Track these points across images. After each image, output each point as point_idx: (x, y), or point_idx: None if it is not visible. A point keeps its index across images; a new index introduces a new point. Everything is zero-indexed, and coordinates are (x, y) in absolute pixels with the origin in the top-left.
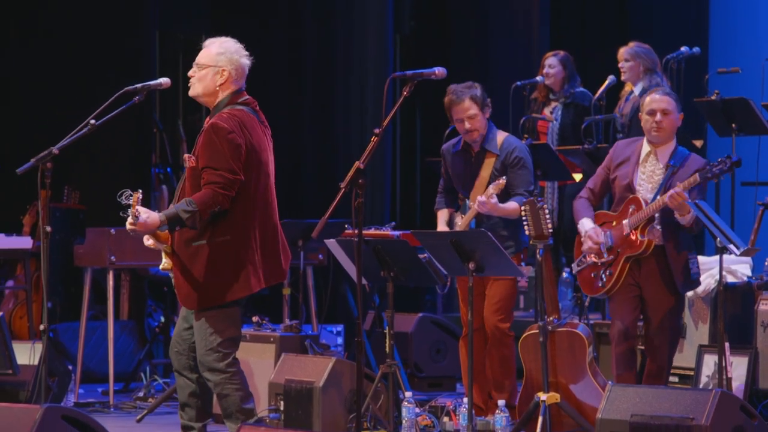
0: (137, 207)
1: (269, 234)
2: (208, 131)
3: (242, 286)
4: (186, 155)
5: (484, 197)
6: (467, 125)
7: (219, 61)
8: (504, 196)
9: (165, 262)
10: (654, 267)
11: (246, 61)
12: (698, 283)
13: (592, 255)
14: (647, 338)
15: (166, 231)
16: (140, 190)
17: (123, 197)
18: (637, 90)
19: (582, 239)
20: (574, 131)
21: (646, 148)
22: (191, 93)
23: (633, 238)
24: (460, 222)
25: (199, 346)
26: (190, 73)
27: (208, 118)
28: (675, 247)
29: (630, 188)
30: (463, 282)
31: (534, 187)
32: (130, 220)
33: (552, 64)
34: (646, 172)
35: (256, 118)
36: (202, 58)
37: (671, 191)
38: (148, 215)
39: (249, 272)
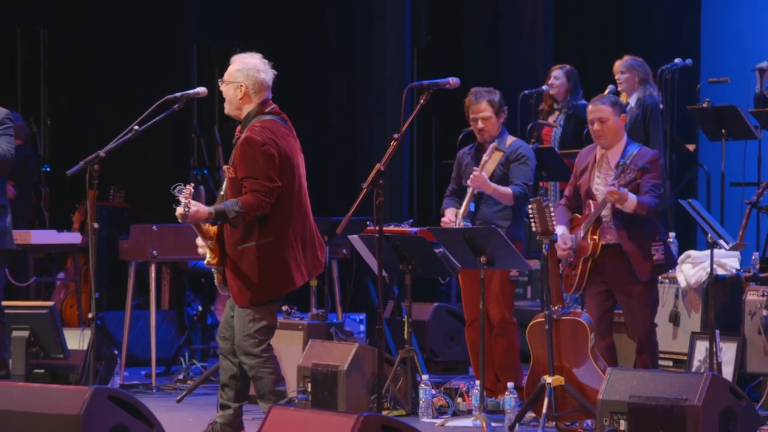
0: (189, 199)
1: (307, 232)
2: (243, 144)
3: (287, 282)
4: (225, 167)
5: (476, 171)
6: (480, 124)
7: (237, 77)
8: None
9: (210, 257)
10: (614, 262)
11: (264, 75)
12: (669, 266)
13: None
14: (626, 325)
15: (213, 228)
16: (192, 184)
17: (176, 190)
18: (632, 100)
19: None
20: (573, 140)
21: (599, 153)
22: (225, 112)
23: (584, 240)
24: (459, 211)
25: (237, 331)
26: (221, 88)
27: (239, 128)
28: (632, 241)
29: (590, 193)
30: (463, 275)
31: (533, 183)
32: (180, 210)
33: (557, 75)
34: (601, 175)
35: (284, 126)
36: (225, 75)
37: (607, 189)
38: (198, 207)
39: (292, 269)
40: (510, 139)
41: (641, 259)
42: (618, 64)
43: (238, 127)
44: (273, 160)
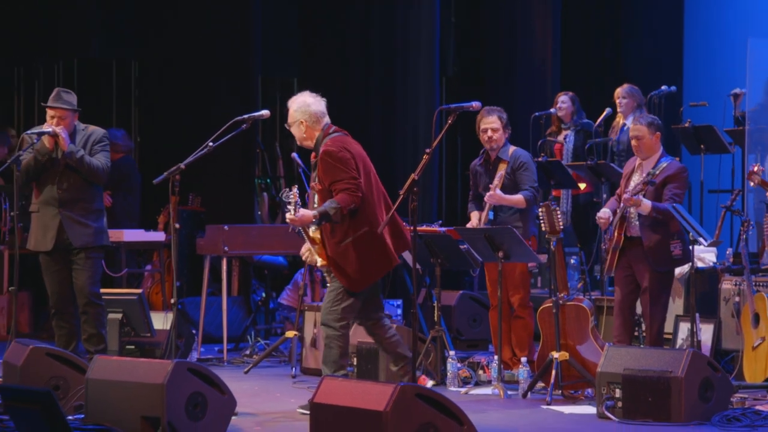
0: (297, 201)
1: (391, 217)
2: (324, 158)
3: (386, 263)
4: (313, 183)
5: (490, 191)
6: (489, 134)
7: (296, 116)
8: (514, 192)
9: (321, 261)
10: (635, 251)
11: (316, 106)
12: (684, 261)
13: (605, 244)
14: (641, 306)
15: (317, 234)
16: (296, 185)
17: (284, 196)
18: (629, 122)
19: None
20: (584, 152)
21: (637, 162)
22: (299, 144)
23: (613, 233)
24: (481, 216)
25: (325, 303)
26: (290, 130)
27: (312, 154)
28: (650, 235)
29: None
30: (488, 267)
31: (538, 185)
32: (290, 215)
33: (564, 100)
34: (634, 181)
35: (350, 137)
36: (288, 118)
37: (624, 196)
38: (304, 212)
39: (388, 250)
40: (511, 149)
41: (656, 252)
42: (619, 91)
43: (312, 154)
44: (349, 161)
